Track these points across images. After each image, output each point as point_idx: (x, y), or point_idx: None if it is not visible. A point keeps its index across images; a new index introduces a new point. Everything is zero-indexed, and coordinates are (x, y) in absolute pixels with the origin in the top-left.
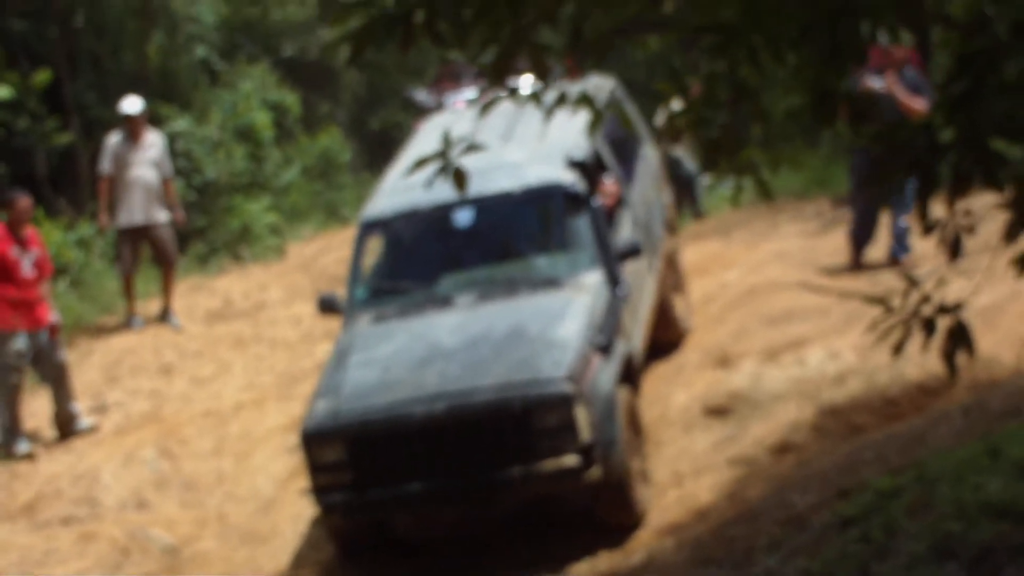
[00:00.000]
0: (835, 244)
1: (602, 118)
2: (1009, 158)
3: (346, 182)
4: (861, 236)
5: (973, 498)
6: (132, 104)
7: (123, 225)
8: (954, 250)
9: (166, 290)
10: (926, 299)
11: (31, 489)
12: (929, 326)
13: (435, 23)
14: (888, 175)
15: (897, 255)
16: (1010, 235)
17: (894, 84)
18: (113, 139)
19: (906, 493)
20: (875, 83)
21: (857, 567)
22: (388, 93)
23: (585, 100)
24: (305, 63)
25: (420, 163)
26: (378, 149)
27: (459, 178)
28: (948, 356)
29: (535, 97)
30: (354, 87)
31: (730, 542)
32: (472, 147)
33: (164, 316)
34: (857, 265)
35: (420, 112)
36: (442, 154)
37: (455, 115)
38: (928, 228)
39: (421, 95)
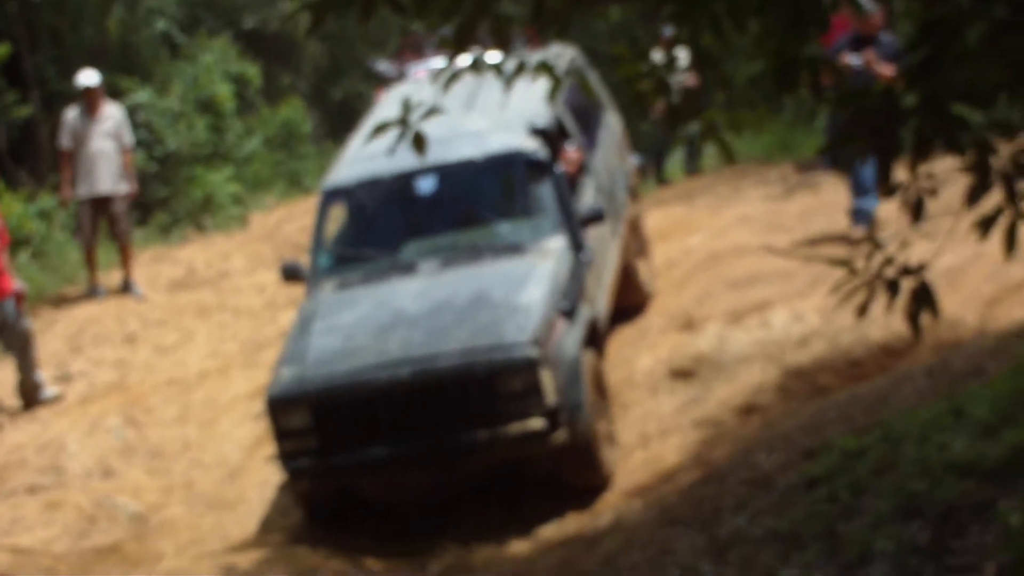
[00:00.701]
0: (799, 207)
1: (561, 85)
2: (970, 123)
3: (308, 152)
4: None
5: (937, 457)
6: (89, 77)
7: (84, 196)
8: (916, 213)
9: (124, 261)
10: (889, 261)
11: None
12: (893, 287)
13: None
14: (851, 139)
15: (862, 220)
16: (972, 198)
17: (873, 61)
18: (71, 113)
19: (871, 453)
20: (853, 61)
21: (823, 526)
22: (350, 64)
23: (545, 68)
24: (266, 35)
25: (380, 128)
26: (340, 119)
27: (419, 142)
28: (912, 317)
29: (496, 67)
30: (316, 58)
31: (697, 503)
32: (432, 111)
33: (125, 287)
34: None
35: (382, 83)
36: (402, 120)
37: (417, 85)
38: (891, 191)
39: (383, 66)
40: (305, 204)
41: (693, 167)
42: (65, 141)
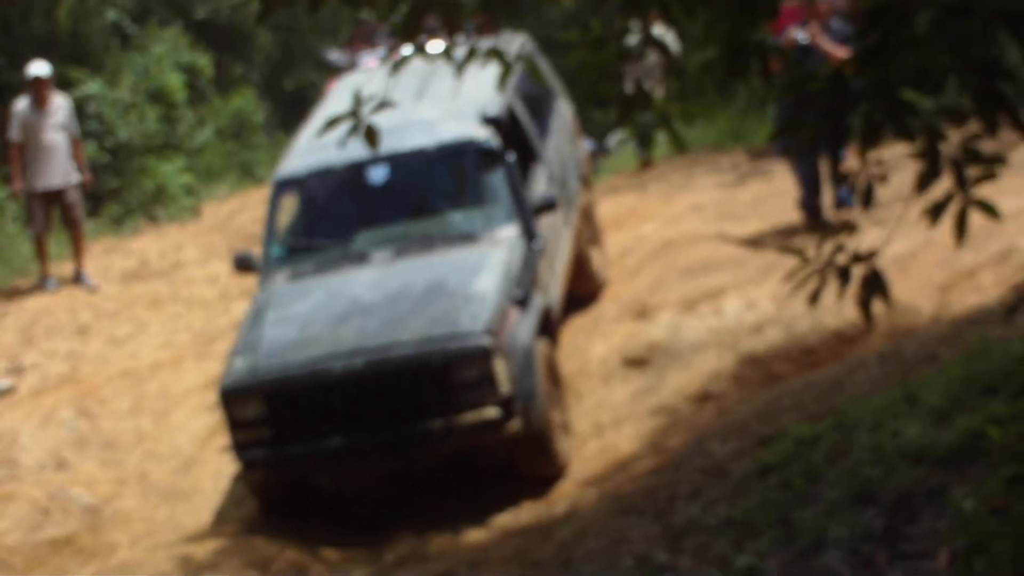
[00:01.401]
0: (751, 195)
1: (512, 71)
2: (920, 109)
3: (260, 142)
4: (811, 197)
5: (891, 444)
6: (39, 67)
7: (36, 189)
8: (866, 199)
9: (77, 252)
10: (840, 248)
11: None
12: (844, 274)
13: None
14: (799, 126)
15: (846, 201)
16: (922, 185)
17: (818, 35)
18: (20, 105)
19: (824, 440)
20: (798, 35)
21: (777, 514)
22: (302, 54)
23: (495, 54)
24: (217, 25)
25: (332, 123)
26: (292, 109)
27: (371, 136)
28: (864, 304)
29: (446, 53)
30: (267, 48)
31: (651, 491)
32: (383, 104)
33: (77, 278)
34: (818, 224)
35: (334, 72)
36: (354, 113)
37: (368, 74)
38: (840, 178)
39: (334, 55)
40: (258, 194)
41: (645, 156)
42: (15, 133)
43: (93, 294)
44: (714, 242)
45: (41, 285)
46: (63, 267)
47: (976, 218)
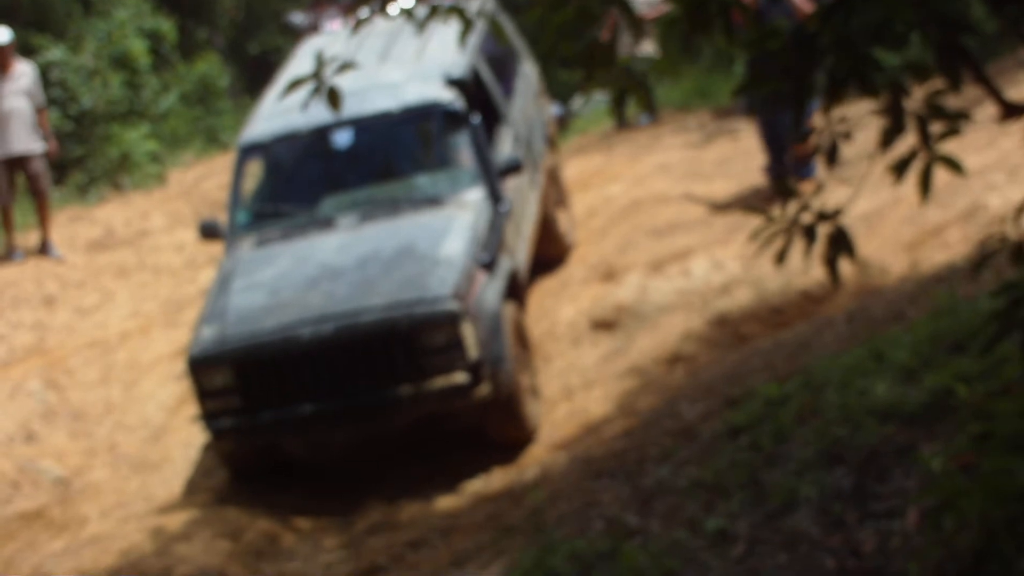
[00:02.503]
0: (717, 154)
1: (472, 27)
2: (884, 65)
3: (225, 107)
4: (776, 161)
5: (859, 402)
6: (0, 34)
7: (2, 156)
8: (831, 157)
9: (42, 222)
10: (805, 207)
11: None
12: (810, 233)
13: None
14: (762, 83)
15: (807, 174)
16: (886, 141)
17: None
18: None
19: (793, 400)
20: None
21: (747, 475)
22: (266, 18)
23: (455, 11)
24: None
25: (294, 85)
26: (257, 74)
27: (333, 98)
28: (830, 262)
29: (407, 12)
30: (231, 12)
31: (621, 454)
32: (345, 67)
33: (43, 248)
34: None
35: (298, 35)
36: (316, 75)
37: (331, 37)
38: (803, 136)
39: (298, 18)
40: (223, 160)
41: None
42: None
43: (59, 264)
44: (681, 202)
45: (7, 256)
46: (29, 237)
47: (942, 176)
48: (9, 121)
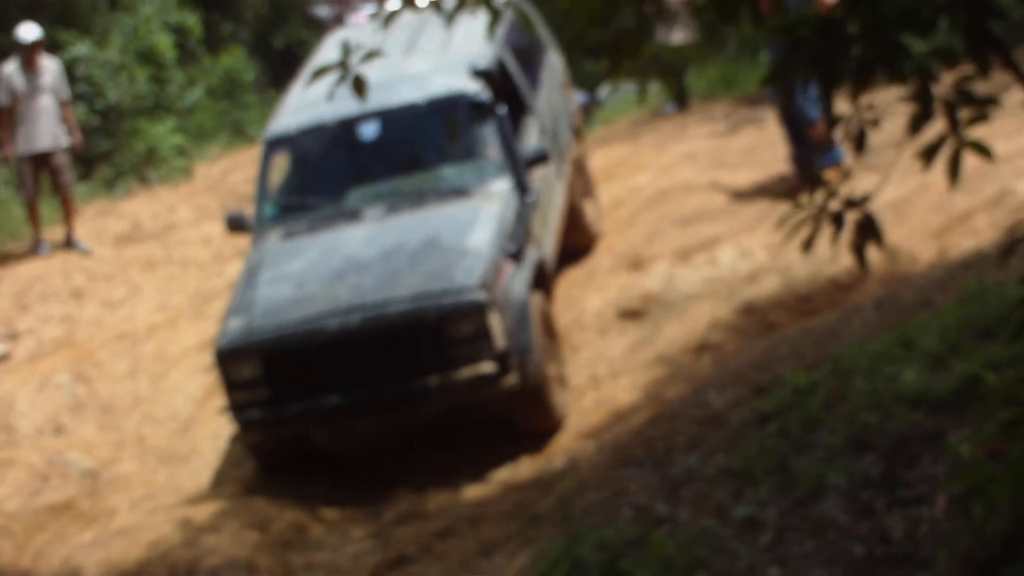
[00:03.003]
0: (744, 143)
1: (500, 17)
2: (911, 51)
3: (251, 101)
4: (799, 149)
5: (887, 389)
6: (29, 31)
7: (26, 152)
8: (859, 144)
9: (67, 216)
10: (832, 193)
11: None
12: (837, 220)
13: None
14: (791, 70)
15: (831, 160)
16: (914, 127)
17: None
18: (8, 68)
19: (821, 387)
20: None
21: (775, 462)
22: (291, 11)
23: (483, 2)
24: None
25: (319, 72)
26: (282, 67)
27: (359, 86)
28: (858, 249)
29: (435, 4)
30: (257, 6)
31: (649, 442)
32: (371, 55)
33: (69, 242)
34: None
35: (323, 28)
36: (342, 63)
37: (358, 29)
38: (833, 123)
39: (323, 11)
40: (249, 154)
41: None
42: (3, 98)
43: (86, 257)
44: (708, 191)
45: (34, 250)
46: (56, 231)
47: (971, 162)
48: (37, 117)
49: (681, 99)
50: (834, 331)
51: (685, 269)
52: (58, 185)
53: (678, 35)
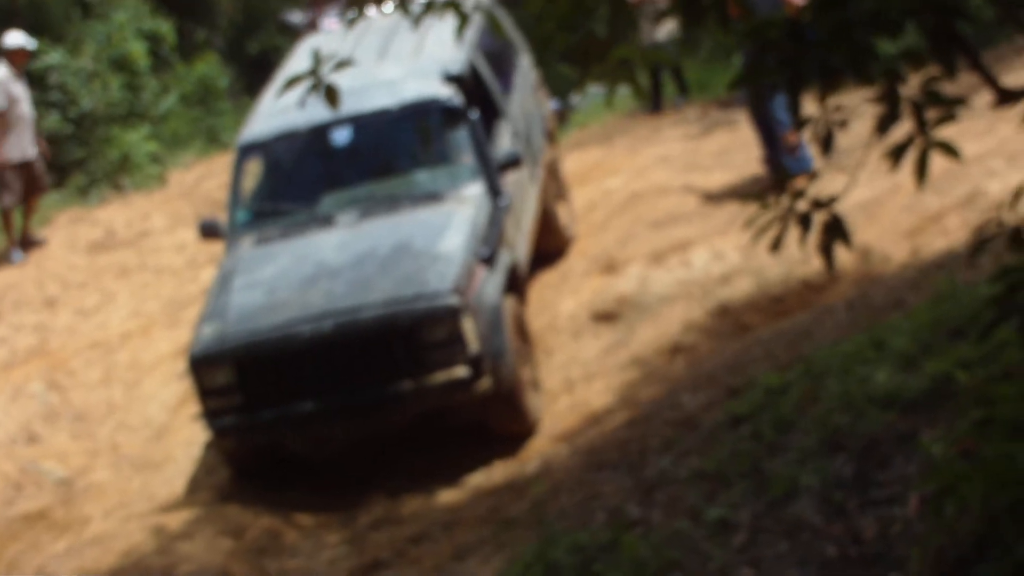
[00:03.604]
0: (717, 145)
1: (468, 22)
2: (879, 53)
3: (225, 108)
4: (772, 151)
5: (860, 390)
6: (18, 38)
7: (19, 159)
8: (826, 145)
9: (29, 215)
10: (799, 194)
11: None
12: (805, 221)
13: None
14: (759, 73)
15: (798, 167)
16: (882, 128)
17: None
18: (1, 73)
19: (794, 389)
20: None
21: (748, 464)
22: (265, 17)
23: (452, 6)
24: None
25: (291, 82)
26: (256, 73)
27: (331, 95)
28: (825, 250)
29: (403, 7)
30: (230, 13)
31: (623, 445)
32: (342, 63)
33: (26, 241)
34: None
35: (296, 34)
36: (313, 72)
37: (330, 35)
38: (800, 125)
39: (297, 17)
40: (224, 160)
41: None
42: (2, 101)
43: (60, 265)
44: (681, 194)
45: (8, 258)
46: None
47: (942, 163)
48: (25, 125)
49: (684, 90)
50: (807, 332)
51: (659, 271)
52: (39, 189)
53: (662, 32)
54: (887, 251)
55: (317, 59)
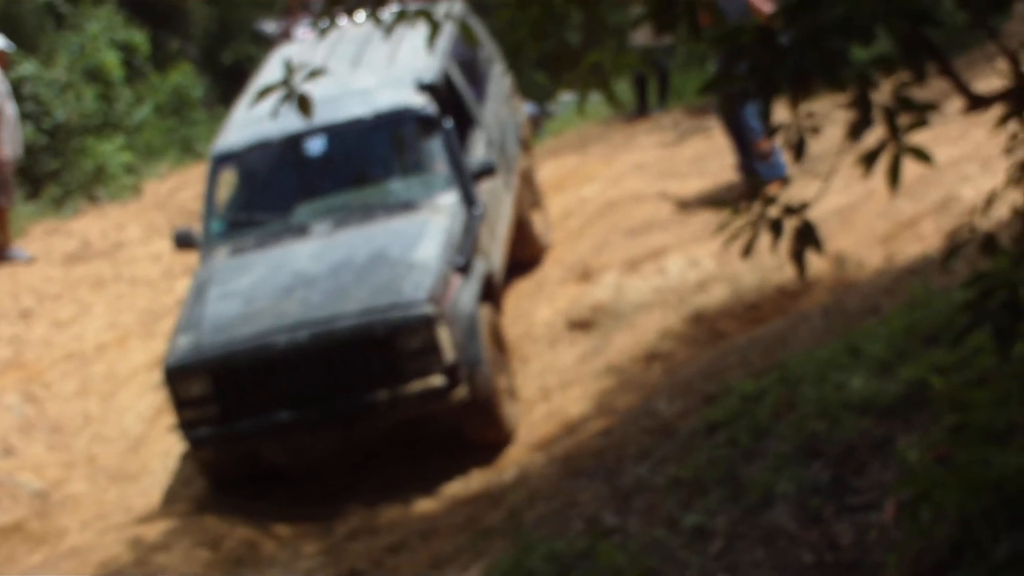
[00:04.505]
0: (692, 152)
1: (440, 30)
2: (850, 59)
3: (200, 118)
4: (745, 158)
5: (835, 397)
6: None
7: (11, 158)
8: (798, 152)
9: (5, 227)
10: (771, 200)
11: None
12: (776, 227)
13: None
14: (730, 80)
15: (772, 174)
16: (854, 134)
17: None
18: None
19: (770, 395)
20: None
21: (725, 471)
22: (239, 27)
23: (423, 15)
24: (152, 0)
25: (263, 93)
26: (231, 83)
27: (304, 105)
28: (797, 256)
29: (374, 16)
30: (204, 22)
31: (599, 453)
32: (314, 73)
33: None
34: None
35: (270, 44)
36: (286, 82)
37: (303, 44)
38: (772, 131)
39: (270, 26)
40: (199, 170)
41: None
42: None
43: (35, 277)
44: (656, 201)
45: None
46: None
47: (916, 169)
48: (8, 125)
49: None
50: (782, 339)
51: (634, 279)
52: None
53: (641, 35)
54: (862, 257)
55: (290, 69)
